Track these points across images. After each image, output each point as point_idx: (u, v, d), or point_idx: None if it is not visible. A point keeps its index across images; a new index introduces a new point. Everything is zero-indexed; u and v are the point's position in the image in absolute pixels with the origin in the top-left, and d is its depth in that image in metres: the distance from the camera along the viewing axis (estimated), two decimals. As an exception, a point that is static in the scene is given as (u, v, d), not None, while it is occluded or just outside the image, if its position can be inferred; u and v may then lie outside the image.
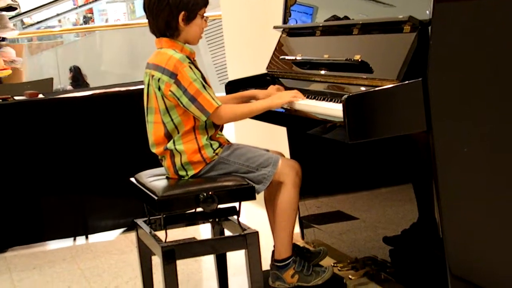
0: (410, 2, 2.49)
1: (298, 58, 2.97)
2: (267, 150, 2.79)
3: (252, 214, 3.96)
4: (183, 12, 2.67)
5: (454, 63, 2.33)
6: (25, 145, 4.11)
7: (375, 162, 2.81)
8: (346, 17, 2.85)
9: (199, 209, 2.67)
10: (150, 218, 2.86)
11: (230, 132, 4.81)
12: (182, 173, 2.72)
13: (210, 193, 2.59)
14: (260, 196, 2.74)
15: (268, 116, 2.82)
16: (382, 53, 2.49)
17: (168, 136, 2.71)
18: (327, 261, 2.98)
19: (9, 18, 6.07)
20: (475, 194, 2.40)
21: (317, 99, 2.67)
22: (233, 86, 3.23)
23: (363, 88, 2.46)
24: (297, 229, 2.92)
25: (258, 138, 4.13)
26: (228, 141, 2.79)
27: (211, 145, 2.70)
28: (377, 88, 2.32)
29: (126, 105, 4.27)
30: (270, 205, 2.85)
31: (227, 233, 2.90)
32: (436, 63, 2.29)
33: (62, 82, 10.44)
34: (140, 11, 13.87)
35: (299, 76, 2.97)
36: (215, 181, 2.65)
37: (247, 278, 2.64)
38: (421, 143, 2.41)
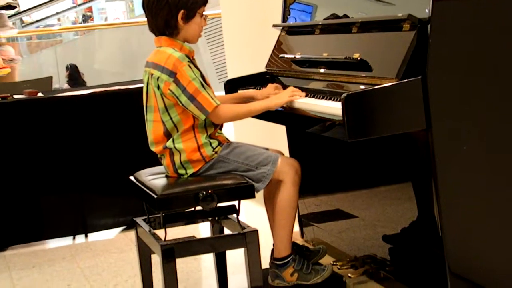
0: (409, 0, 2.49)
1: (297, 56, 2.97)
2: (267, 149, 2.79)
3: (252, 212, 3.96)
4: (182, 11, 2.67)
5: (453, 62, 2.33)
6: (24, 143, 4.11)
7: (375, 161, 2.81)
8: (345, 16, 2.85)
9: (199, 208, 2.67)
10: (150, 216, 2.86)
11: (230, 130, 4.81)
12: (181, 171, 2.72)
13: (209, 191, 2.59)
14: (259, 195, 2.74)
15: (267, 114, 2.82)
16: (382, 52, 2.49)
17: (168, 135, 2.71)
18: (327, 260, 2.97)
19: (8, 17, 6.07)
20: (474, 192, 2.40)
21: (316, 98, 2.67)
22: (232, 85, 3.23)
23: (362, 87, 2.46)
24: (296, 228, 2.91)
25: (257, 136, 4.13)
26: (228, 139, 2.79)
27: (210, 143, 2.70)
28: (376, 87, 2.32)
29: (126, 104, 4.27)
30: (270, 203, 2.85)
31: (227, 231, 2.90)
32: (435, 61, 2.29)
33: (61, 81, 10.44)
34: (139, 10, 13.85)
35: (298, 74, 2.97)
36: (215, 180, 2.65)
37: (246, 276, 2.64)
38: (421, 141, 2.41)
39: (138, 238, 2.91)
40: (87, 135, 4.21)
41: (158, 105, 2.69)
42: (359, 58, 2.53)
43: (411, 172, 2.59)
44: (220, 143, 2.73)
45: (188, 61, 2.66)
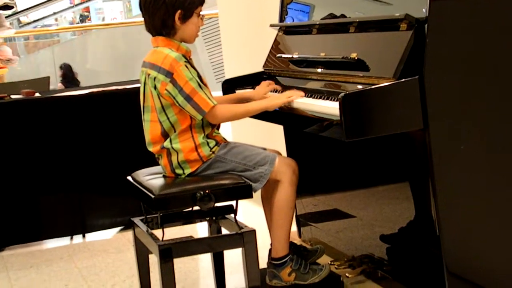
0: (407, 0, 2.49)
1: (294, 56, 2.97)
2: (264, 149, 2.79)
3: (249, 212, 3.96)
4: (179, 11, 2.67)
5: (450, 61, 2.34)
6: (22, 144, 4.11)
7: (372, 160, 2.81)
8: (342, 15, 2.85)
9: (196, 208, 2.67)
10: (147, 216, 2.86)
11: (227, 130, 4.81)
12: (179, 171, 2.72)
13: (207, 191, 2.59)
14: (257, 195, 2.74)
15: (265, 114, 2.82)
16: (379, 51, 2.49)
17: (165, 135, 2.71)
18: (324, 259, 2.97)
19: (6, 17, 6.07)
20: (472, 191, 2.40)
21: (313, 97, 2.67)
22: (230, 85, 3.23)
23: (359, 86, 2.46)
24: (294, 227, 2.92)
25: (255, 136, 4.13)
26: (225, 139, 2.79)
27: (207, 143, 2.70)
28: (373, 86, 2.32)
29: (123, 104, 4.27)
30: (267, 203, 2.85)
31: (224, 231, 2.90)
32: (432, 61, 2.29)
33: (58, 81, 10.43)
34: (136, 10, 13.86)
35: (296, 74, 2.97)
36: (212, 180, 2.65)
37: (244, 276, 2.64)
38: (418, 141, 2.41)
39: (136, 238, 2.90)
40: (84, 135, 4.21)
41: (155, 105, 2.69)
42: (356, 58, 2.53)
43: (408, 172, 2.59)
44: (217, 143, 2.73)
45: (185, 61, 2.65)
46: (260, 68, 3.23)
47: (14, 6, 5.84)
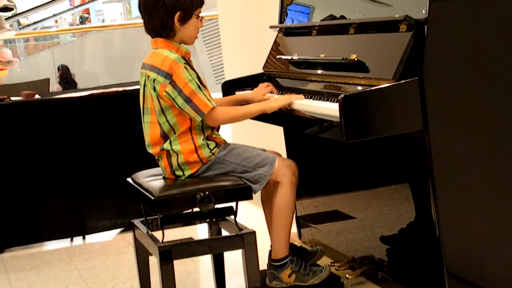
0: (406, 1, 2.49)
1: (294, 57, 2.97)
2: (264, 150, 2.79)
3: (249, 214, 3.96)
4: (178, 12, 2.67)
5: (450, 62, 2.33)
6: (21, 145, 4.11)
7: (372, 162, 2.81)
8: (342, 17, 2.85)
9: (196, 209, 2.67)
10: (147, 218, 2.86)
11: (227, 132, 4.81)
12: (178, 173, 2.72)
13: (207, 193, 2.59)
14: (257, 196, 2.74)
15: (264, 116, 2.82)
16: (379, 53, 2.49)
17: (165, 137, 2.70)
18: (324, 261, 2.97)
19: (6, 19, 6.06)
20: (472, 193, 2.40)
21: (313, 99, 2.67)
22: (229, 86, 3.23)
23: (359, 88, 2.46)
24: (294, 229, 2.92)
25: (255, 138, 4.13)
26: (225, 141, 2.79)
27: (207, 145, 2.70)
28: (373, 88, 2.32)
29: (123, 106, 4.26)
30: (267, 204, 2.85)
31: (224, 233, 2.90)
32: (432, 62, 2.29)
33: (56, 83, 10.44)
34: (136, 11, 13.86)
35: (296, 75, 2.97)
36: (212, 181, 2.65)
37: (244, 278, 2.64)
38: (418, 142, 2.41)
39: (136, 240, 2.90)
40: (84, 137, 4.21)
41: (154, 107, 2.69)
42: (356, 59, 2.53)
43: (408, 173, 2.59)
44: (217, 145, 2.73)
45: (185, 63, 2.65)
46: (260, 70, 3.23)
47: (14, 8, 5.83)
